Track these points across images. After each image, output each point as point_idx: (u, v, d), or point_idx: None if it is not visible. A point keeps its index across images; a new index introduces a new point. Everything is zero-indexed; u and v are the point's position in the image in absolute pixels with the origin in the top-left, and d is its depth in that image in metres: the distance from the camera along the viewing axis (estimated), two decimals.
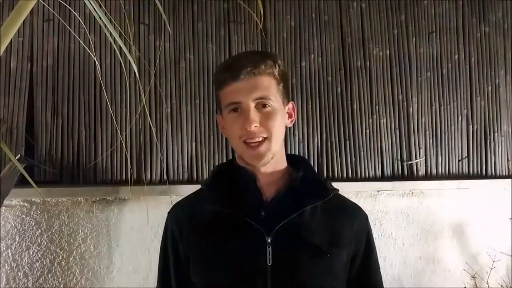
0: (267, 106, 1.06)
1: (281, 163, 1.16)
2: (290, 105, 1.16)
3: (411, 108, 2.13)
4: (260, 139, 1.06)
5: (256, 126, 1.04)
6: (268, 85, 1.07)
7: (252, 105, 1.05)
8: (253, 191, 1.10)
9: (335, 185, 1.19)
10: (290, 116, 1.17)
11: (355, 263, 1.15)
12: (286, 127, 1.14)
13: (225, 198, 1.10)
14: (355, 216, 1.18)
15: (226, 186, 1.13)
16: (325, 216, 1.11)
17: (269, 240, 1.03)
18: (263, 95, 1.05)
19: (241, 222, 1.05)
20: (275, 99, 1.07)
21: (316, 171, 1.84)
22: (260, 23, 1.89)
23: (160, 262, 1.19)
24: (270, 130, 1.06)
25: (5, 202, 1.57)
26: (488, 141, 2.24)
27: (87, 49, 1.71)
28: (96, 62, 1.76)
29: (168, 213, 1.20)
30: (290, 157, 1.20)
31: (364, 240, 1.17)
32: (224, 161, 1.87)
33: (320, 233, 1.08)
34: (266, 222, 1.05)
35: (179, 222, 1.15)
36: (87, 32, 1.75)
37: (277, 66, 1.09)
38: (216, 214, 1.08)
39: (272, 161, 1.10)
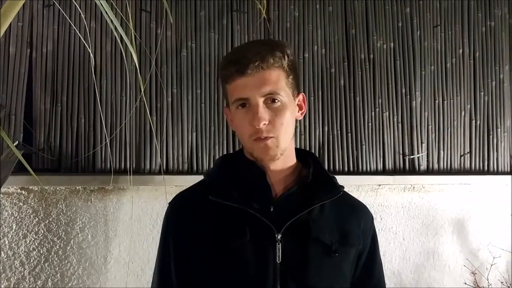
0: (276, 101, 1.02)
1: (291, 159, 1.13)
2: (301, 96, 1.13)
3: (414, 102, 2.11)
4: (268, 136, 1.03)
5: (265, 124, 1.01)
6: (277, 79, 1.03)
7: (260, 101, 1.01)
8: (262, 186, 1.07)
9: (337, 178, 1.17)
10: (300, 108, 1.13)
11: (360, 262, 1.13)
12: (296, 120, 1.11)
13: (233, 192, 1.06)
14: (362, 215, 1.16)
15: (233, 179, 1.10)
16: (334, 214, 1.09)
17: (278, 237, 1.01)
18: (272, 90, 1.01)
19: (250, 217, 1.01)
20: (284, 94, 1.03)
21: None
22: (264, 13, 1.87)
23: (159, 257, 1.14)
24: (278, 128, 1.02)
25: (2, 189, 1.56)
26: (491, 136, 2.23)
27: (83, 40, 1.68)
28: (96, 50, 1.74)
29: (169, 203, 1.16)
30: (297, 152, 1.17)
31: (370, 240, 1.16)
32: (225, 151, 1.86)
33: (330, 231, 1.06)
34: (276, 218, 1.02)
35: (182, 214, 1.11)
36: (88, 19, 1.72)
37: (286, 56, 1.04)
38: (221, 207, 1.04)
39: (282, 157, 1.07)
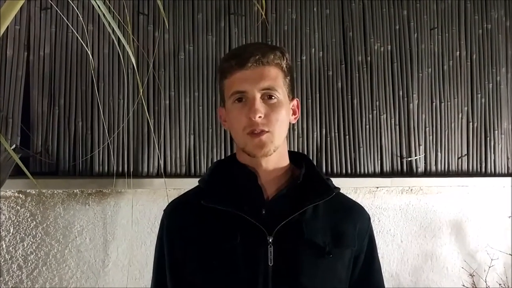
0: (273, 97, 1.03)
1: (283, 160, 1.13)
2: (295, 101, 1.14)
3: (411, 104, 2.12)
4: (262, 130, 1.03)
5: (260, 117, 1.01)
6: (276, 76, 1.05)
7: (258, 95, 1.02)
8: (253, 189, 1.07)
9: (334, 180, 1.17)
10: (294, 113, 1.14)
11: (358, 263, 1.12)
12: (290, 123, 1.12)
13: (225, 196, 1.06)
14: (358, 216, 1.15)
15: (225, 183, 1.10)
16: (328, 216, 1.09)
17: (270, 240, 1.00)
18: (270, 85, 1.03)
19: (242, 221, 1.01)
20: (281, 92, 1.05)
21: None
22: (262, 15, 1.87)
23: (155, 261, 1.16)
24: (273, 123, 1.03)
25: (0, 193, 1.55)
26: (488, 138, 2.23)
27: (83, 42, 1.68)
28: (94, 53, 1.74)
29: (164, 210, 1.16)
30: (291, 154, 1.17)
31: (367, 240, 1.15)
32: (222, 154, 1.86)
33: (323, 232, 1.06)
34: (267, 221, 1.02)
35: (176, 220, 1.12)
36: (85, 22, 1.72)
37: (284, 58, 1.07)
38: (215, 212, 1.04)
39: (274, 157, 1.07)
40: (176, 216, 1.13)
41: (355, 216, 1.15)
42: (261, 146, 1.03)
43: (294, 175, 1.13)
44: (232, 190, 1.08)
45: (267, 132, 1.03)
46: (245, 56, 1.02)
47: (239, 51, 1.08)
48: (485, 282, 2.11)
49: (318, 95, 2.00)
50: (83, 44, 1.68)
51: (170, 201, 1.19)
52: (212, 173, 1.15)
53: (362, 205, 1.21)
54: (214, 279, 1.02)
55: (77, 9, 1.70)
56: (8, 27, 1.58)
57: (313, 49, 2.01)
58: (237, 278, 1.00)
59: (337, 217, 1.11)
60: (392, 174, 2.08)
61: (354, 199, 1.22)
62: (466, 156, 2.20)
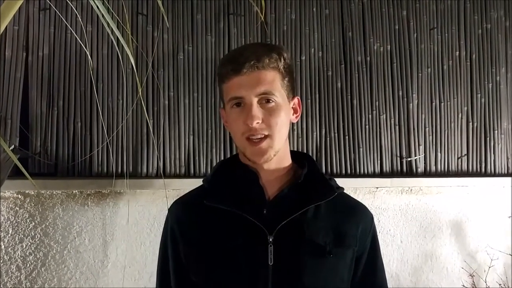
0: (270, 101, 1.03)
1: (285, 160, 1.13)
2: (296, 100, 1.14)
3: (411, 104, 2.11)
4: (262, 136, 1.03)
5: (258, 123, 1.01)
6: (272, 80, 1.04)
7: (255, 100, 1.02)
8: (255, 189, 1.08)
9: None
10: (295, 112, 1.14)
11: (360, 263, 1.12)
12: (290, 122, 1.12)
13: (227, 196, 1.07)
14: (360, 216, 1.15)
15: (228, 183, 1.11)
16: (330, 215, 1.09)
17: (271, 239, 1.01)
18: (267, 90, 1.02)
19: (243, 220, 1.02)
20: (279, 95, 1.04)
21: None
22: (261, 16, 1.87)
23: (159, 260, 1.17)
24: (273, 127, 1.03)
25: None
26: (488, 138, 2.23)
27: (81, 43, 1.68)
28: (92, 53, 1.74)
29: (169, 210, 1.17)
30: (293, 154, 1.18)
31: (370, 240, 1.15)
32: (222, 154, 1.86)
33: (324, 232, 1.06)
34: (268, 220, 1.02)
35: (180, 219, 1.12)
36: (84, 22, 1.72)
37: (282, 59, 1.06)
38: (217, 211, 1.05)
39: (275, 158, 1.07)
40: (179, 215, 1.13)
41: (357, 216, 1.15)
42: (261, 154, 1.04)
43: (296, 175, 1.13)
44: (234, 190, 1.09)
45: (267, 136, 1.03)
46: (240, 62, 1.02)
47: (235, 55, 1.07)
48: (485, 282, 2.11)
49: (317, 95, 2.00)
50: (82, 44, 1.68)
51: (169, 202, 1.19)
52: (215, 173, 1.16)
53: None
54: (216, 278, 1.03)
55: (76, 9, 1.70)
56: (6, 27, 1.58)
57: (313, 49, 2.01)
58: (238, 278, 1.01)
59: (339, 217, 1.11)
60: (392, 174, 2.08)
61: None
62: (466, 156, 2.20)
